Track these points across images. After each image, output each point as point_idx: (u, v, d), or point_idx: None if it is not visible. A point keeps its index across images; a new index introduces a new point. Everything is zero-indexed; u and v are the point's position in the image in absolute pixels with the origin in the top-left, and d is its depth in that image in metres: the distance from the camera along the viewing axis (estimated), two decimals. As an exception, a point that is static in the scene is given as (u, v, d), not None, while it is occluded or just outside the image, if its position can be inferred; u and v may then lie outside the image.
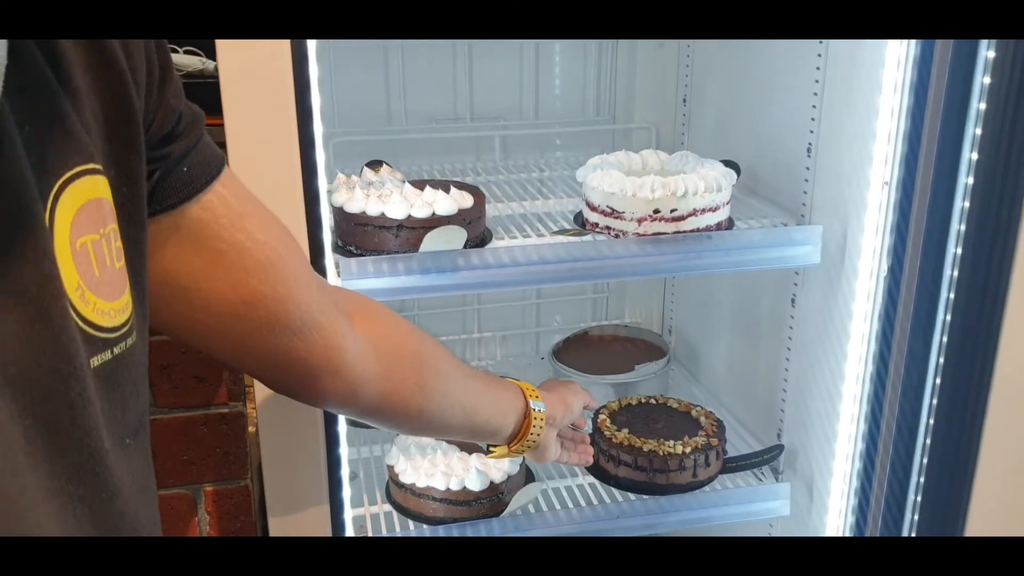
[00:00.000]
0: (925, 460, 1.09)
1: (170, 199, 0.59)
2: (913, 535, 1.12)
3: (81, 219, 0.48)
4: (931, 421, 1.07)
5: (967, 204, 0.99)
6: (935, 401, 1.06)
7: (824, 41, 1.15)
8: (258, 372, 0.75)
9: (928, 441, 1.08)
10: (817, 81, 1.17)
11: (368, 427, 1.37)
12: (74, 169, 0.48)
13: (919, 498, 1.10)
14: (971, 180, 0.99)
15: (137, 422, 0.53)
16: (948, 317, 1.03)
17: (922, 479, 1.09)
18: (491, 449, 1.06)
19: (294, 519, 1.06)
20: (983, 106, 0.96)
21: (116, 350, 0.50)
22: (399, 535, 1.20)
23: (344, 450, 1.09)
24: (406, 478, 1.22)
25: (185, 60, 2.68)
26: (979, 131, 0.97)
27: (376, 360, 0.80)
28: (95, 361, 0.48)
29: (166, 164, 0.59)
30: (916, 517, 1.11)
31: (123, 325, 0.51)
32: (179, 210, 0.60)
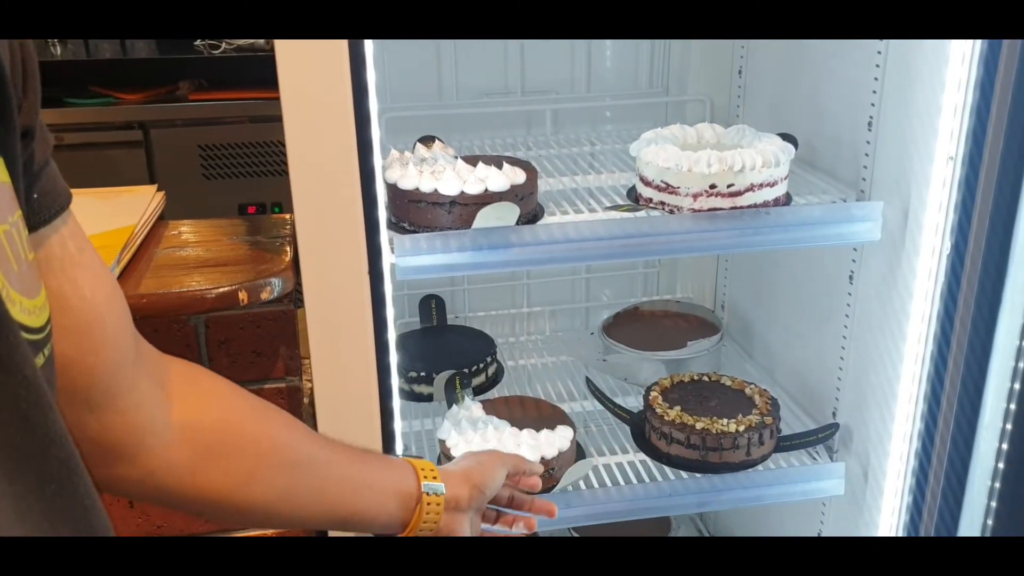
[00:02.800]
0: (1006, 446, 1.06)
1: None
2: (988, 522, 1.10)
3: None
4: (1011, 407, 1.05)
5: (1037, 180, 0.96)
6: (1017, 385, 1.04)
7: (888, 11, 1.12)
8: None
9: (1009, 426, 1.06)
10: (880, 52, 1.14)
11: (422, 400, 1.39)
12: None
13: (997, 484, 1.08)
14: (1042, 155, 0.95)
15: None
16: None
17: (1001, 464, 1.07)
18: None
19: (349, 492, 1.07)
20: (1057, 78, 0.93)
21: (46, 352, 0.46)
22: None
23: (398, 424, 1.10)
24: (457, 452, 1.22)
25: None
26: (1052, 104, 0.94)
27: (190, 449, 0.69)
28: (37, 362, 0.43)
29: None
30: (995, 504, 1.09)
31: (46, 325, 0.46)
32: None
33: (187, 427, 0.69)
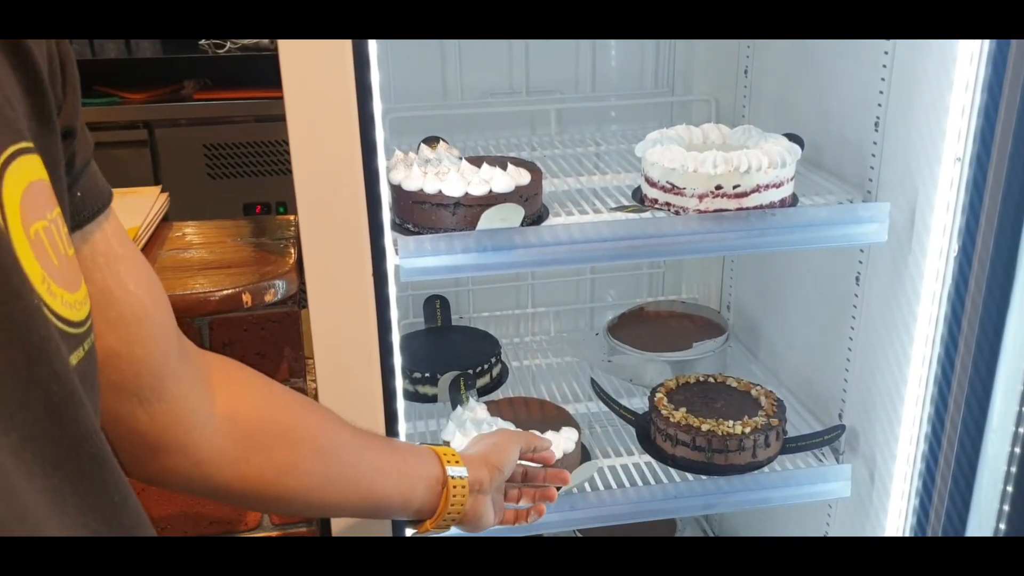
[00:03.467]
0: (1018, 449, 1.06)
1: None
2: (1001, 526, 1.10)
3: (27, 205, 0.43)
4: (1022, 409, 1.04)
5: (1046, 181, 0.96)
6: None
7: (895, 11, 1.11)
8: None
9: (1021, 430, 1.05)
10: (886, 52, 1.13)
11: (427, 401, 1.39)
12: (9, 149, 0.43)
13: (1009, 488, 1.07)
14: (1051, 156, 0.95)
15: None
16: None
17: (1013, 469, 1.07)
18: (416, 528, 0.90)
19: (353, 494, 1.07)
20: (1066, 79, 0.92)
21: (87, 345, 0.46)
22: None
23: (402, 426, 1.09)
24: (462, 454, 1.22)
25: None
26: (1061, 105, 0.93)
27: (233, 440, 0.71)
28: (73, 359, 0.44)
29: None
30: (1007, 507, 1.08)
31: (87, 319, 0.47)
32: None
33: (229, 418, 0.71)
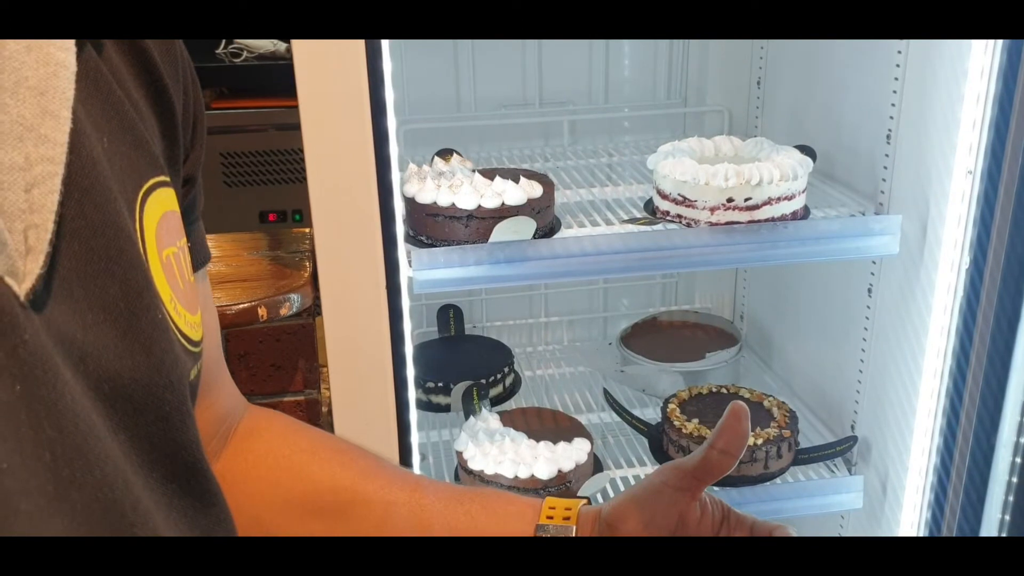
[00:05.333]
0: (1019, 459, 1.06)
1: None
2: (1003, 535, 1.10)
3: (162, 231, 0.47)
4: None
5: (1057, 195, 0.96)
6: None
7: (906, 24, 1.11)
8: None
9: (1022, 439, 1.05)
10: (898, 65, 1.14)
11: (440, 411, 1.40)
12: (151, 180, 0.47)
13: (1011, 498, 1.07)
14: (1062, 170, 0.95)
15: None
16: (1035, 312, 1.00)
17: (1015, 479, 1.06)
18: None
19: (366, 504, 1.08)
20: (1077, 93, 0.92)
21: (199, 366, 0.50)
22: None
23: (415, 437, 1.10)
24: (475, 464, 1.23)
25: (257, 41, 2.72)
26: (1072, 119, 0.93)
27: (244, 465, 0.67)
28: (192, 374, 0.47)
29: None
30: (1007, 517, 1.08)
31: (202, 340, 0.51)
32: None
33: (235, 477, 0.67)
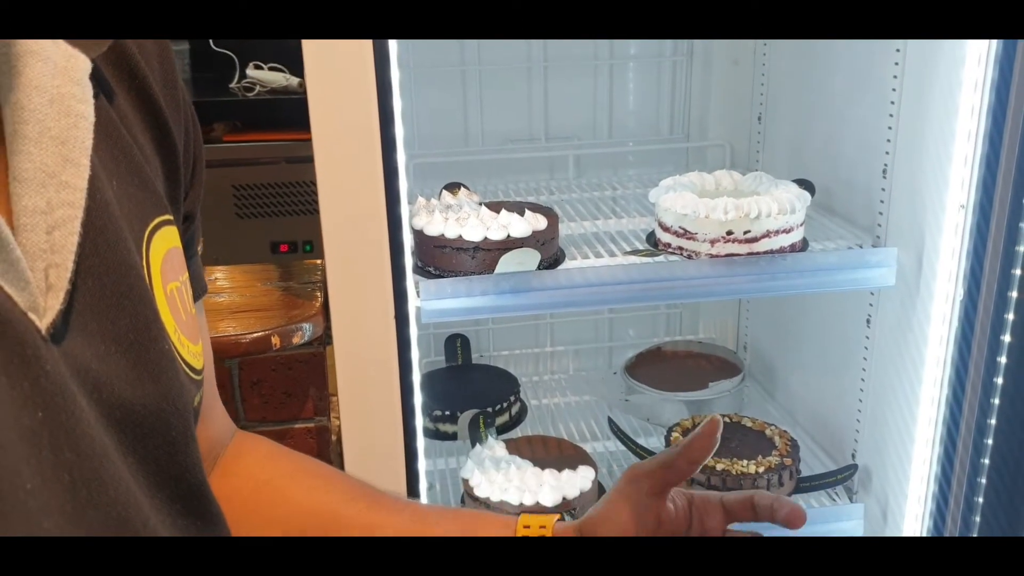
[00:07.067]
0: (981, 482, 1.08)
1: None
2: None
3: (167, 267, 0.51)
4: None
5: (1047, 228, 0.98)
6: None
7: (899, 59, 1.15)
8: None
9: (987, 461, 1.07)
10: (893, 103, 1.17)
11: (447, 439, 1.42)
12: (156, 219, 0.50)
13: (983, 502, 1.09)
14: (1051, 204, 0.98)
15: None
16: (1027, 342, 1.02)
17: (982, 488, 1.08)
18: None
19: (374, 530, 1.10)
20: (1063, 130, 0.95)
21: (201, 394, 0.53)
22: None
23: (422, 464, 1.13)
24: (480, 492, 1.25)
25: (270, 76, 2.78)
26: (1059, 155, 0.96)
27: (227, 491, 0.66)
28: (195, 400, 0.50)
29: None
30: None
31: (203, 369, 0.54)
32: None
33: (227, 474, 0.70)
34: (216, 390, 0.70)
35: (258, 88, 2.68)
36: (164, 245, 0.51)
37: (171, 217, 0.53)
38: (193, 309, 0.55)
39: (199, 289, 0.63)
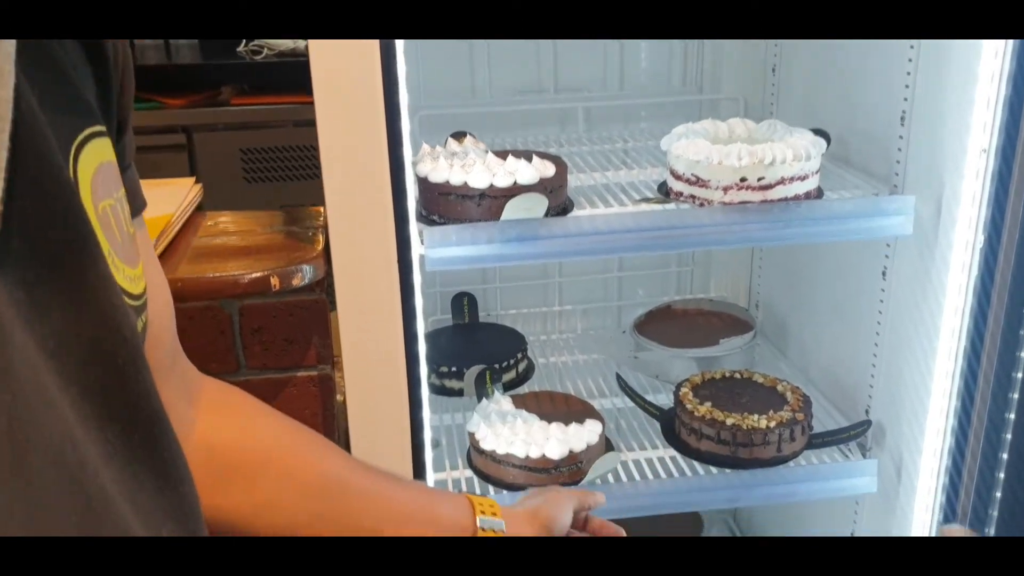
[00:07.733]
0: (1006, 437, 1.05)
1: None
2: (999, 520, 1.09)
3: (98, 183, 0.46)
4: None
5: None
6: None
7: (921, 4, 1.11)
8: None
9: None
10: (912, 47, 1.13)
11: (453, 395, 1.40)
12: (86, 131, 0.46)
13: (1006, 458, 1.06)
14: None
15: None
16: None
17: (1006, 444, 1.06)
18: None
19: (378, 481, 1.09)
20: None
21: (143, 319, 0.48)
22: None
23: (426, 414, 1.11)
24: (487, 445, 1.23)
25: (277, 39, 2.75)
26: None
27: (207, 470, 0.66)
28: (139, 326, 0.46)
29: None
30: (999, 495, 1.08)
31: (143, 294, 0.50)
32: None
33: (206, 446, 0.68)
34: (174, 323, 0.66)
35: (266, 51, 2.65)
36: (95, 159, 0.47)
37: (103, 128, 0.48)
38: (131, 228, 0.50)
39: (138, 203, 0.59)
